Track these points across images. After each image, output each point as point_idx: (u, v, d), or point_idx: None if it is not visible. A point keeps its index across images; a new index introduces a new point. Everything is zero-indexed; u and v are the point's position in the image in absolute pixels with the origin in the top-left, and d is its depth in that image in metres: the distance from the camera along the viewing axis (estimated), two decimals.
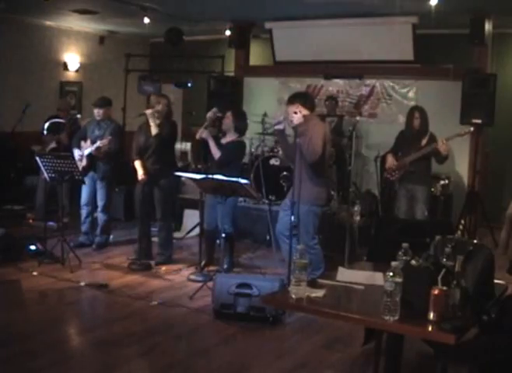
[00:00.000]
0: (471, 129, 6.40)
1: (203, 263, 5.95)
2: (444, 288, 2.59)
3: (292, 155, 5.06)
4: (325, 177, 5.32)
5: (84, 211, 6.69)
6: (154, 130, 5.92)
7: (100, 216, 6.65)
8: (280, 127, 5.02)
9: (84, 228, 6.73)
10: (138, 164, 6.09)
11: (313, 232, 5.24)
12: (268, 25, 8.71)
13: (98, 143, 6.28)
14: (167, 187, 6.11)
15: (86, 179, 6.36)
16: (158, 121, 5.96)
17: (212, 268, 5.88)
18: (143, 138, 6.06)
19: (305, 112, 5.07)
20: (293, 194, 4.98)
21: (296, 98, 5.14)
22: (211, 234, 6.05)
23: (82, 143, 6.53)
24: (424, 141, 6.18)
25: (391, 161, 6.35)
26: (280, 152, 7.26)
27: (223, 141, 5.97)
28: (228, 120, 5.92)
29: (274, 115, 5.18)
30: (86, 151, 6.40)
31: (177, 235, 7.14)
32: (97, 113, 6.50)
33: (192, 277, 5.75)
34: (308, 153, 4.95)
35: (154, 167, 6.05)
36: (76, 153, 6.44)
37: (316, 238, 5.28)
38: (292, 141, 5.13)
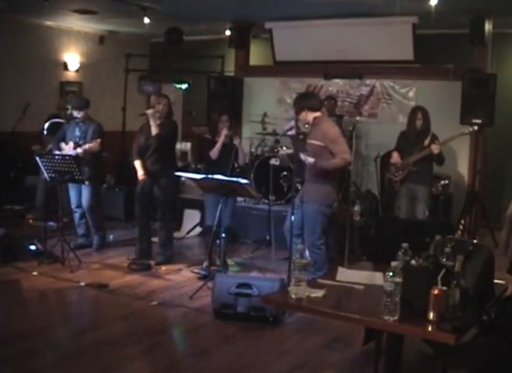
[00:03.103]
0: (475, 127, 6.42)
1: (205, 264, 5.97)
2: (444, 288, 2.59)
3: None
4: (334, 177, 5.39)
5: (76, 214, 6.65)
6: (155, 130, 5.92)
7: (89, 218, 6.58)
8: (293, 132, 5.23)
9: (81, 230, 6.70)
10: (138, 164, 6.09)
11: (321, 232, 5.25)
12: (268, 25, 8.71)
13: (86, 146, 6.20)
14: (167, 187, 6.11)
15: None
16: (159, 121, 5.97)
17: (211, 268, 5.89)
18: (143, 138, 6.06)
19: (315, 113, 5.19)
20: (301, 193, 5.21)
21: (302, 102, 5.22)
22: (212, 230, 6.04)
23: (62, 145, 6.45)
24: (427, 142, 6.18)
25: (396, 156, 6.35)
26: (280, 152, 7.31)
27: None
28: (228, 123, 6.06)
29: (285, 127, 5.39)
30: (71, 154, 6.21)
31: (177, 234, 7.14)
32: (78, 114, 6.40)
33: (196, 270, 5.82)
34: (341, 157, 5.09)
35: (154, 167, 6.05)
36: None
37: (322, 239, 5.28)
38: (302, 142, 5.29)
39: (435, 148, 6.03)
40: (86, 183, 6.32)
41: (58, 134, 6.64)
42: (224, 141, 5.99)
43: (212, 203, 5.97)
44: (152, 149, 6.01)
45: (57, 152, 6.38)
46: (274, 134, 7.61)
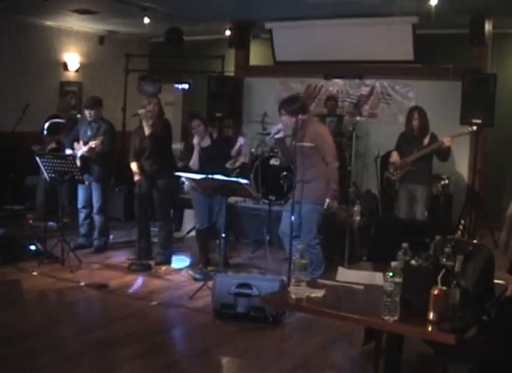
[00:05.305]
0: (474, 128, 6.43)
1: (200, 266, 5.97)
2: (444, 288, 2.59)
3: (293, 158, 5.19)
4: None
5: (82, 214, 6.65)
6: (147, 131, 5.91)
7: (97, 218, 6.57)
8: (280, 135, 5.19)
9: (83, 230, 6.69)
10: (134, 166, 6.08)
11: (316, 232, 5.26)
12: (268, 25, 8.71)
13: (90, 143, 6.20)
14: (166, 187, 6.10)
15: None
16: (151, 121, 5.95)
17: (211, 268, 5.88)
18: (138, 140, 6.05)
19: (301, 116, 5.17)
20: (296, 195, 5.13)
21: (293, 107, 5.16)
22: (204, 233, 6.03)
23: (75, 144, 6.46)
24: (426, 141, 6.19)
25: (395, 156, 6.35)
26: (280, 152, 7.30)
27: (204, 144, 5.78)
28: (201, 127, 5.73)
29: (272, 129, 5.32)
30: (79, 153, 6.28)
31: (177, 235, 7.14)
32: (89, 114, 6.41)
33: (191, 272, 5.81)
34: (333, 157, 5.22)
35: (152, 168, 6.04)
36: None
37: (318, 238, 5.30)
38: (290, 143, 5.29)
39: (447, 141, 6.00)
40: (86, 182, 6.32)
41: (72, 134, 6.67)
42: (199, 149, 5.67)
43: (199, 204, 5.94)
44: (149, 150, 5.98)
45: (69, 152, 6.39)
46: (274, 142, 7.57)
